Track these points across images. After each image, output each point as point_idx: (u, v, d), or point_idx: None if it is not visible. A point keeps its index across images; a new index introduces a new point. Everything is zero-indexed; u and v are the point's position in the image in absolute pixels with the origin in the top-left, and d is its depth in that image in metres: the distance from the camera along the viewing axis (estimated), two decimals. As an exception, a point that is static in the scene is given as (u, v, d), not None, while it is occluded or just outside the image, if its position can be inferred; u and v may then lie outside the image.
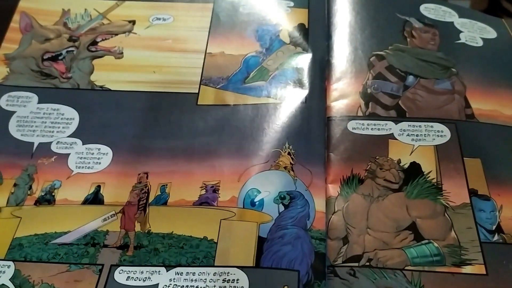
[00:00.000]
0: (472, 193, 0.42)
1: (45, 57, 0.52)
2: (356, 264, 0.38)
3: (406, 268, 0.38)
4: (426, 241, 0.39)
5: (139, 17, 0.55)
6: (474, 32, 0.55)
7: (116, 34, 0.53)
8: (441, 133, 0.45)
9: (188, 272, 0.38)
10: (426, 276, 0.38)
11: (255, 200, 0.41)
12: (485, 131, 0.46)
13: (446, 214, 0.41)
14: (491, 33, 0.56)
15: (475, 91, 0.49)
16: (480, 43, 0.54)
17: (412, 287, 0.37)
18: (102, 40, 0.53)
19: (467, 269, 0.38)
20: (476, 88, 0.49)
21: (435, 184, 0.42)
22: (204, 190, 0.42)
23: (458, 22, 0.56)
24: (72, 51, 0.52)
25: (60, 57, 0.52)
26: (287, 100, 0.48)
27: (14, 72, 0.51)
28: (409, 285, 0.37)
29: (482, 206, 0.41)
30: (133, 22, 0.54)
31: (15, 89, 0.49)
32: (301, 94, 0.48)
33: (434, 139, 0.45)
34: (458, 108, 0.47)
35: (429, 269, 0.38)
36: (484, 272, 0.38)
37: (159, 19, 0.55)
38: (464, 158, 0.44)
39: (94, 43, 0.53)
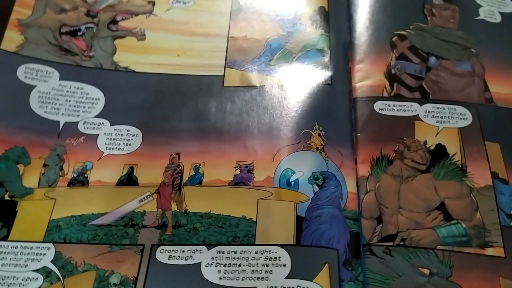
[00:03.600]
0: (494, 175, 0.42)
1: (62, 31, 0.50)
2: (391, 244, 0.39)
3: (438, 247, 0.39)
4: (455, 221, 0.40)
5: None
6: (493, 6, 0.55)
7: (136, 14, 0.52)
8: (463, 116, 0.46)
9: (229, 251, 0.38)
10: (455, 256, 0.39)
11: (290, 180, 0.42)
12: (503, 116, 0.46)
13: (472, 195, 0.41)
14: (509, 6, 0.55)
15: (493, 73, 0.49)
16: (499, 19, 0.53)
17: (443, 266, 0.38)
18: (122, 19, 0.52)
19: (489, 251, 0.39)
20: (495, 70, 0.49)
21: (460, 166, 0.43)
22: (239, 170, 0.42)
23: None
24: (92, 28, 0.51)
25: (79, 33, 0.50)
26: (312, 81, 0.47)
27: (30, 42, 0.49)
28: (441, 265, 0.38)
29: (502, 190, 0.42)
30: (152, 3, 0.53)
31: (33, 61, 0.48)
32: (326, 75, 0.48)
33: (457, 121, 0.45)
34: (478, 91, 0.48)
35: (458, 250, 0.39)
36: (503, 255, 0.39)
37: (179, 2, 0.54)
38: (485, 142, 0.44)
39: (114, 22, 0.52)
